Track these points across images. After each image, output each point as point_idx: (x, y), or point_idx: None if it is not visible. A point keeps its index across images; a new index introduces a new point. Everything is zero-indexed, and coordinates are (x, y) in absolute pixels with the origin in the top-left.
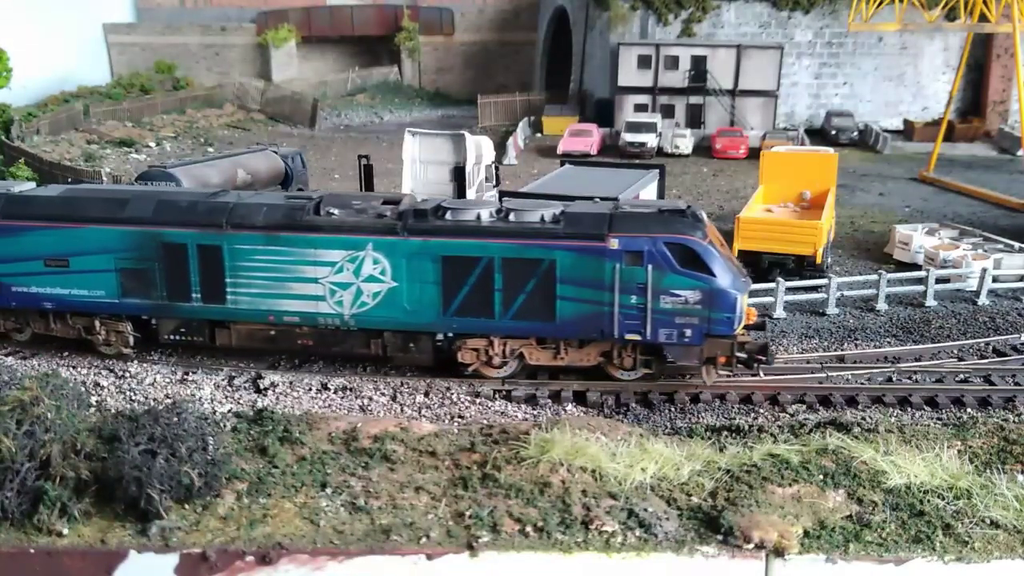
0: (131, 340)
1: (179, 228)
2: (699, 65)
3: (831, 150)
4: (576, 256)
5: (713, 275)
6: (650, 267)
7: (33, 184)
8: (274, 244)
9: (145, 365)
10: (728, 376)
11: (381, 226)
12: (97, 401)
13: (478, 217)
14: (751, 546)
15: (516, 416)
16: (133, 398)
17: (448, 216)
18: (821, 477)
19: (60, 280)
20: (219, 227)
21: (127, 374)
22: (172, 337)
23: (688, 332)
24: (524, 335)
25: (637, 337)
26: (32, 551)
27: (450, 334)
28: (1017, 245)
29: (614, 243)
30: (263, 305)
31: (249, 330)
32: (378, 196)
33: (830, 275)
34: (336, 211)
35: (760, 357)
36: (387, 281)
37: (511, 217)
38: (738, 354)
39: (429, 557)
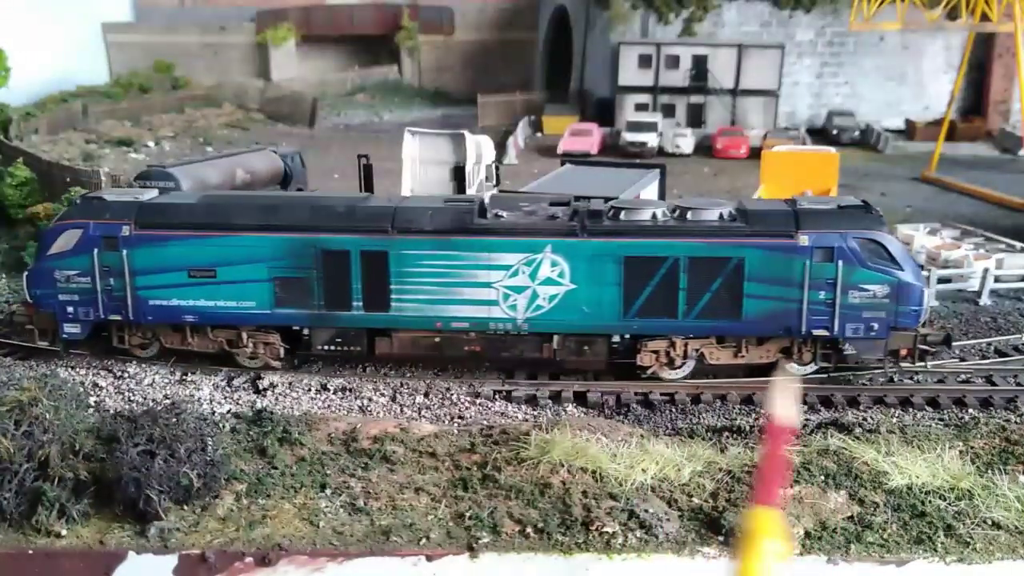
0: (281, 352)
1: (341, 234)
2: (700, 64)
3: (832, 150)
4: (765, 254)
5: (901, 269)
6: (840, 263)
7: (155, 191)
8: (444, 248)
9: (144, 365)
10: (915, 366)
11: (560, 228)
12: (96, 402)
13: (654, 216)
14: None
15: (516, 417)
16: (132, 399)
17: (623, 216)
18: (822, 478)
19: (206, 291)
20: (384, 232)
21: (126, 375)
22: (326, 348)
23: (875, 326)
24: (707, 334)
25: (824, 332)
26: (31, 552)
27: (627, 336)
28: (1019, 245)
29: (804, 240)
30: (430, 311)
31: (412, 338)
32: (544, 196)
33: None
34: (504, 213)
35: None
36: (565, 283)
37: (689, 216)
38: (920, 346)
39: (429, 558)
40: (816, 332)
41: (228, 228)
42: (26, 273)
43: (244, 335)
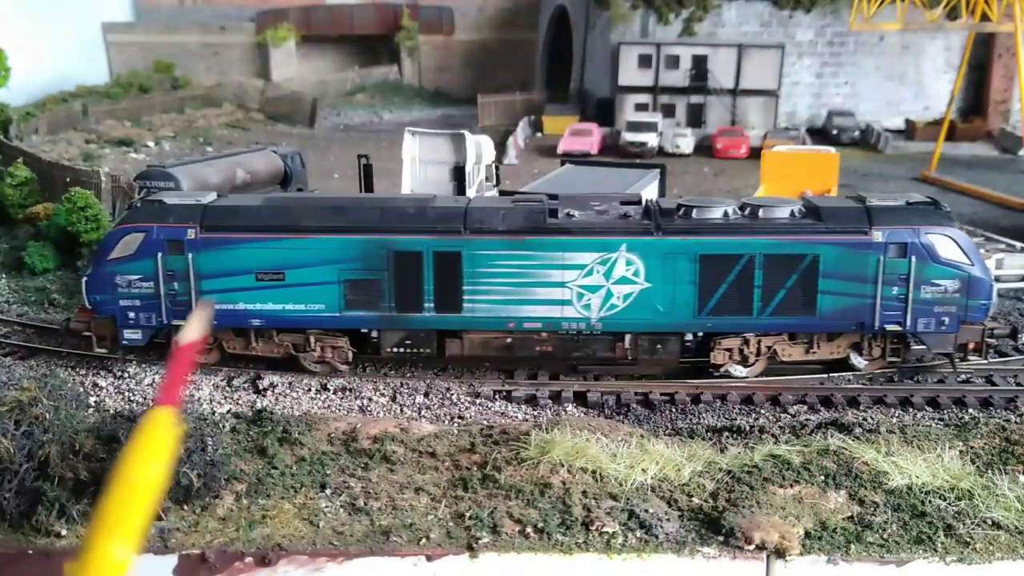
0: (349, 355)
1: (413, 235)
2: (700, 64)
3: (832, 150)
4: (841, 250)
5: (971, 263)
6: (913, 258)
7: (214, 194)
8: (518, 248)
9: (144, 365)
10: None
11: (635, 226)
12: (95, 402)
13: (726, 214)
14: (752, 547)
15: (516, 417)
16: (132, 399)
17: (695, 214)
18: (822, 478)
19: (273, 295)
20: (457, 233)
21: (125, 375)
22: (395, 351)
23: (946, 320)
24: (781, 331)
25: (897, 327)
26: (30, 552)
27: (700, 334)
28: (1019, 245)
29: (878, 236)
30: (503, 312)
31: (484, 339)
32: (613, 196)
33: None
34: (576, 213)
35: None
36: (640, 282)
37: (760, 213)
38: (988, 339)
39: (429, 558)
40: (889, 327)
41: (298, 230)
42: (84, 278)
43: (311, 339)
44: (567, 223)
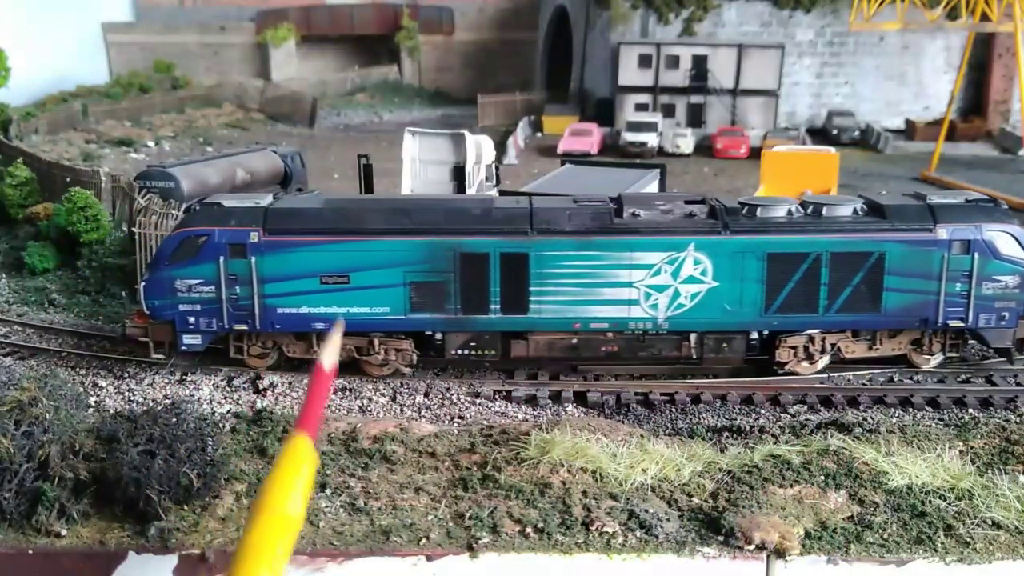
0: (414, 358)
1: (479, 236)
2: (700, 64)
3: (832, 150)
4: (906, 247)
5: None
6: (976, 255)
7: (270, 195)
8: (586, 248)
9: (143, 365)
10: None
11: (702, 226)
12: (96, 402)
13: (789, 212)
14: (752, 547)
15: (516, 417)
16: (132, 399)
17: (759, 213)
18: (822, 478)
19: (338, 298)
20: (524, 233)
21: (126, 375)
22: (459, 353)
23: (1006, 315)
24: (846, 328)
25: (959, 323)
26: (31, 552)
27: (766, 332)
28: None
29: (943, 233)
30: (569, 313)
31: (549, 340)
32: (677, 196)
33: None
34: (641, 212)
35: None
36: (707, 281)
37: (824, 212)
38: None
39: (429, 558)
40: (952, 323)
41: (363, 232)
42: (142, 283)
43: (375, 342)
44: (635, 223)
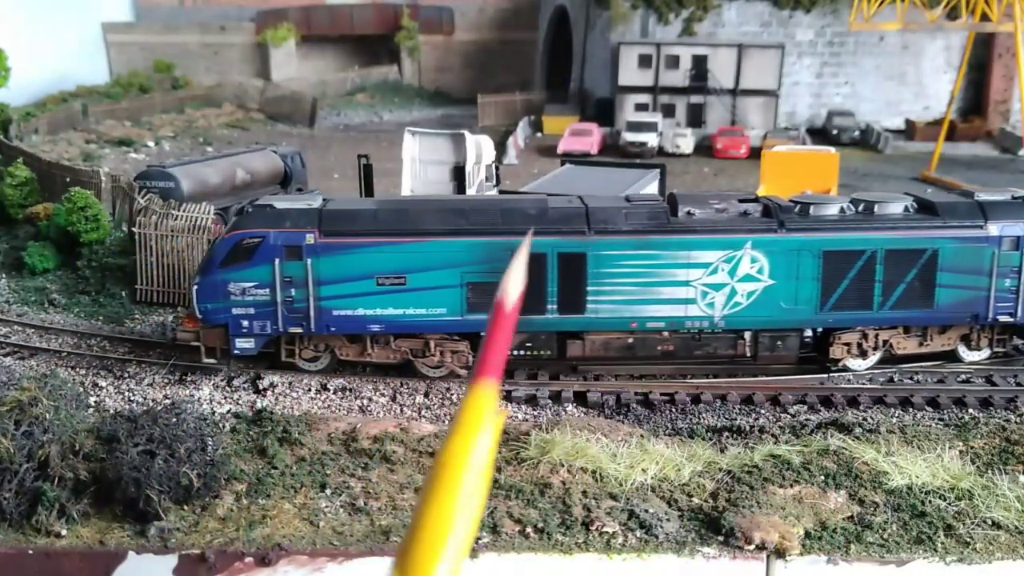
0: (470, 359)
1: (536, 236)
2: (700, 64)
3: (832, 150)
4: (958, 244)
5: None
6: None
7: (320, 196)
8: (643, 248)
9: (143, 365)
10: None
11: (759, 224)
12: (95, 402)
13: (842, 210)
14: (752, 547)
15: (516, 417)
16: (132, 399)
17: (812, 211)
18: (822, 478)
19: (394, 299)
20: (582, 233)
21: (126, 374)
22: (515, 353)
23: None
24: (898, 325)
25: (1009, 318)
26: (30, 552)
27: (819, 330)
28: None
29: (993, 230)
30: (626, 312)
31: (605, 340)
32: (730, 194)
33: None
34: (696, 211)
35: None
36: (764, 279)
37: (876, 209)
38: None
39: None
40: (1001, 318)
41: (420, 233)
42: (194, 287)
43: (431, 343)
44: (693, 222)
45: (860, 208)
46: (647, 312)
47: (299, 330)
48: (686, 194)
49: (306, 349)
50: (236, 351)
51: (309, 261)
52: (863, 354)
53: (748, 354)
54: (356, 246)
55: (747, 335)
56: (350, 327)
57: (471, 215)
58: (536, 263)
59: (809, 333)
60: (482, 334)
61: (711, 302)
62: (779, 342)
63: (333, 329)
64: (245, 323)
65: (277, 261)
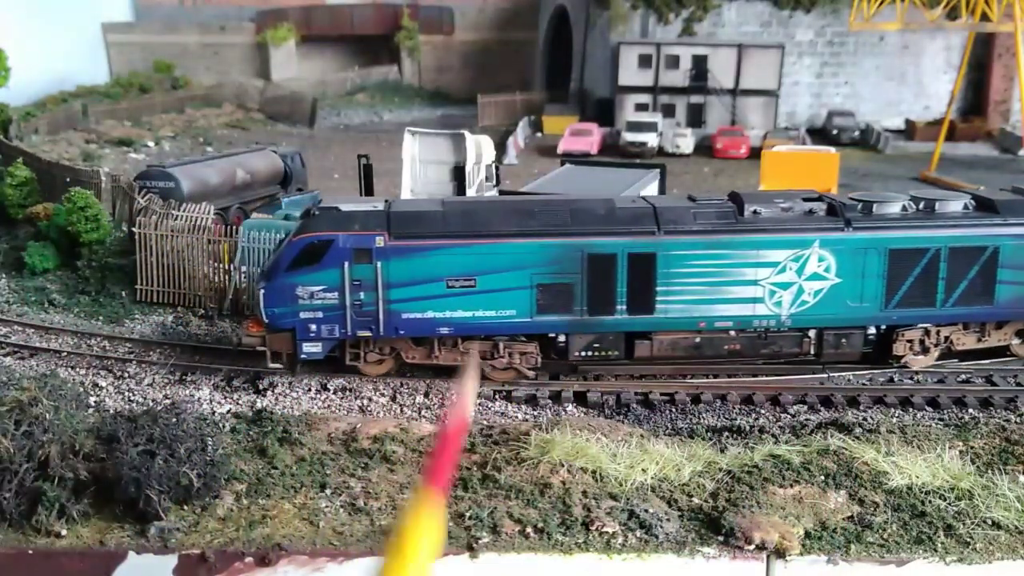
0: (538, 361)
1: (607, 237)
2: (700, 64)
3: (832, 150)
4: (1019, 241)
5: None
6: None
7: (383, 199)
8: (713, 247)
9: (144, 365)
10: None
11: (826, 223)
12: (96, 402)
13: (904, 208)
14: (752, 547)
15: (516, 417)
16: (132, 399)
17: (875, 209)
18: (822, 478)
19: (464, 302)
20: (652, 233)
21: (125, 374)
22: (582, 354)
23: None
24: (959, 321)
25: None
26: (31, 552)
27: (883, 327)
28: None
29: None
30: (695, 312)
31: (673, 340)
32: (794, 193)
33: None
34: (762, 210)
35: None
36: (831, 278)
37: (936, 207)
38: None
39: None
40: None
41: (491, 235)
42: (261, 291)
43: (500, 345)
44: (761, 221)
45: (921, 206)
46: (715, 311)
47: (368, 333)
48: (751, 193)
49: (371, 353)
50: (303, 356)
51: (379, 264)
52: (925, 351)
53: (812, 352)
54: (426, 248)
55: (812, 333)
56: (419, 330)
57: (540, 216)
58: (606, 264)
59: (872, 330)
60: (549, 335)
61: (779, 301)
62: (843, 340)
63: (402, 332)
64: (313, 327)
65: (346, 264)
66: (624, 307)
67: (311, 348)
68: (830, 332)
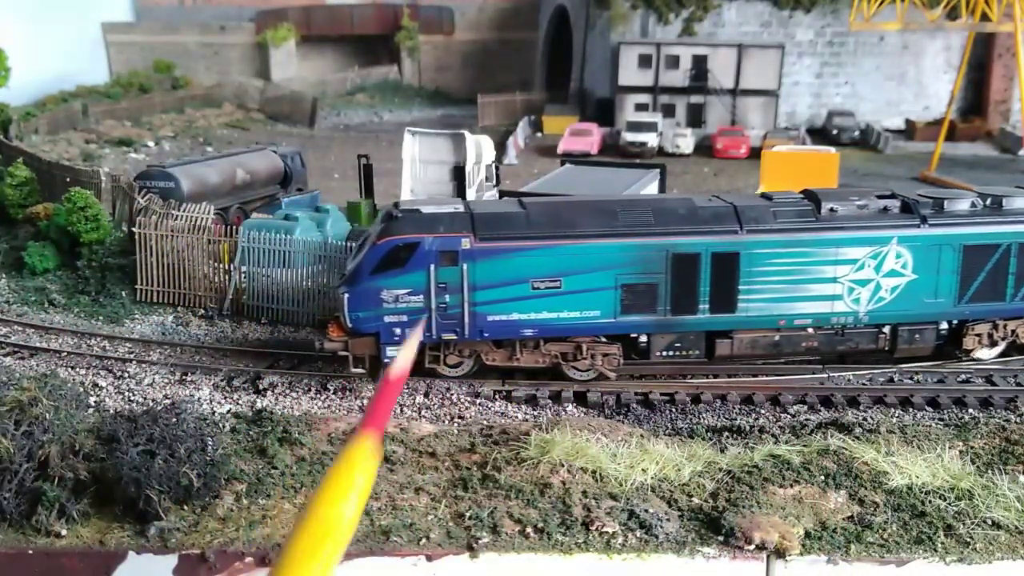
0: (621, 361)
1: (691, 236)
2: (700, 64)
3: (832, 150)
4: None
5: None
6: None
7: (460, 201)
8: (794, 246)
9: (144, 365)
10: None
11: (903, 220)
12: (96, 402)
13: (973, 205)
14: (752, 547)
15: (516, 417)
16: (132, 399)
17: (946, 206)
18: (822, 478)
19: (548, 303)
20: (735, 232)
21: (126, 374)
22: (664, 354)
23: None
24: None
25: None
26: (31, 552)
27: (954, 322)
28: None
29: None
30: (775, 310)
31: (753, 338)
32: (868, 190)
33: None
34: (839, 208)
35: None
36: (907, 274)
37: (1004, 203)
38: None
39: (429, 558)
40: None
41: (576, 236)
42: (345, 295)
43: (583, 346)
44: (839, 219)
45: (988, 202)
46: (795, 309)
47: (453, 336)
48: (826, 191)
49: (451, 355)
50: (387, 359)
51: (465, 266)
52: (992, 344)
53: (887, 348)
54: (511, 250)
55: (887, 329)
56: (504, 332)
57: (623, 216)
58: (689, 263)
59: (944, 325)
60: (632, 336)
61: (857, 298)
62: (917, 335)
63: (487, 335)
64: (397, 331)
65: (432, 267)
66: (707, 306)
67: (395, 352)
68: (904, 328)
